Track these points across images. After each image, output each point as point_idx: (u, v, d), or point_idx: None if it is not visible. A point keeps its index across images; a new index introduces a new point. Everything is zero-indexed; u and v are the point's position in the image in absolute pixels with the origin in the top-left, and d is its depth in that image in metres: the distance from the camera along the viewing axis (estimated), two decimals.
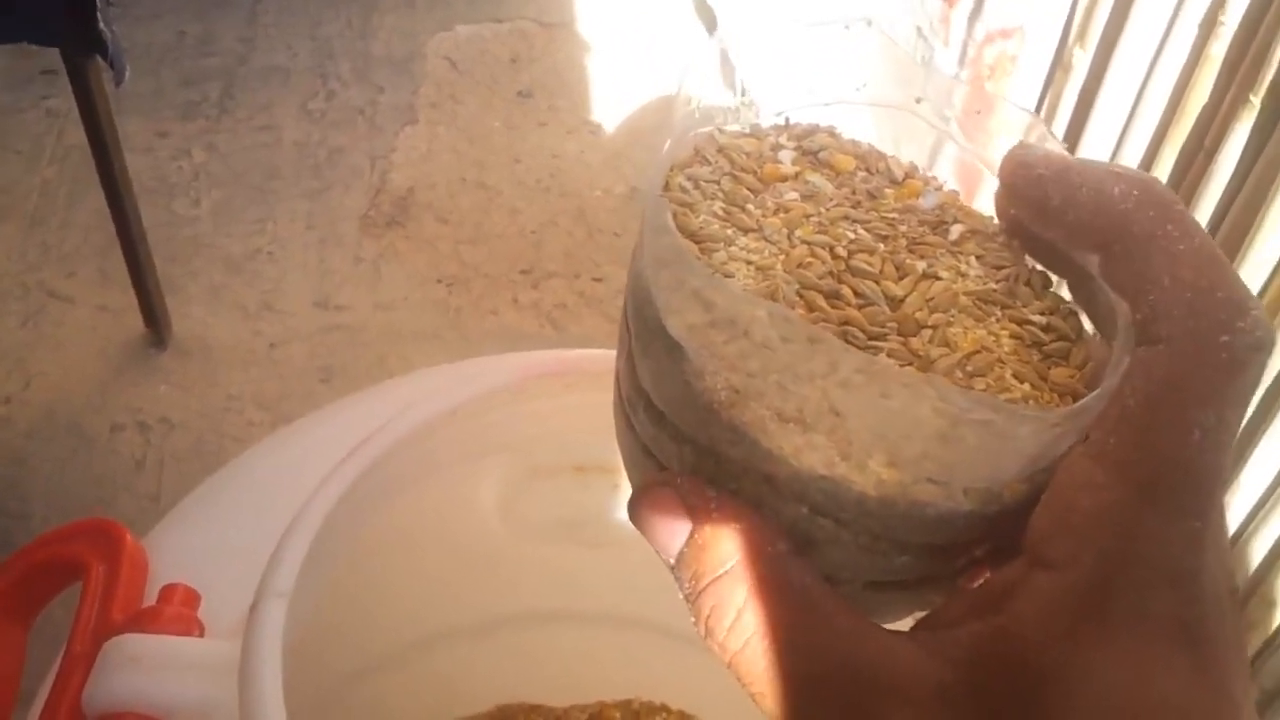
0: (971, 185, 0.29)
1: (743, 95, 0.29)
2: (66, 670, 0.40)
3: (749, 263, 0.25)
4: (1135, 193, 0.23)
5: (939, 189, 0.28)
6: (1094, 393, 0.22)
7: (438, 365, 0.53)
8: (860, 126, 0.30)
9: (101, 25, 1.02)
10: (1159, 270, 0.22)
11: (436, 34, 1.94)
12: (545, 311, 1.50)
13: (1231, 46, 0.84)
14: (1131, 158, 0.96)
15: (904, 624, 0.25)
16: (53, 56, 1.17)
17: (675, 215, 0.25)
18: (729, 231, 0.25)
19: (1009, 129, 0.28)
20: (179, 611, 0.40)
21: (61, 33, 1.05)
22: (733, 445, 0.23)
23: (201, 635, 0.40)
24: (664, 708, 0.71)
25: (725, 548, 0.22)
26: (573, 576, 0.64)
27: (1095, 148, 1.01)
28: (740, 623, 0.22)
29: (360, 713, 0.61)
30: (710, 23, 1.98)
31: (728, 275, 0.24)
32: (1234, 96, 0.83)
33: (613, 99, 1.84)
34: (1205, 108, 0.87)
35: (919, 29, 1.14)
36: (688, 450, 0.24)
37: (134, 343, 1.40)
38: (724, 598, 0.22)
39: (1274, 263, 0.79)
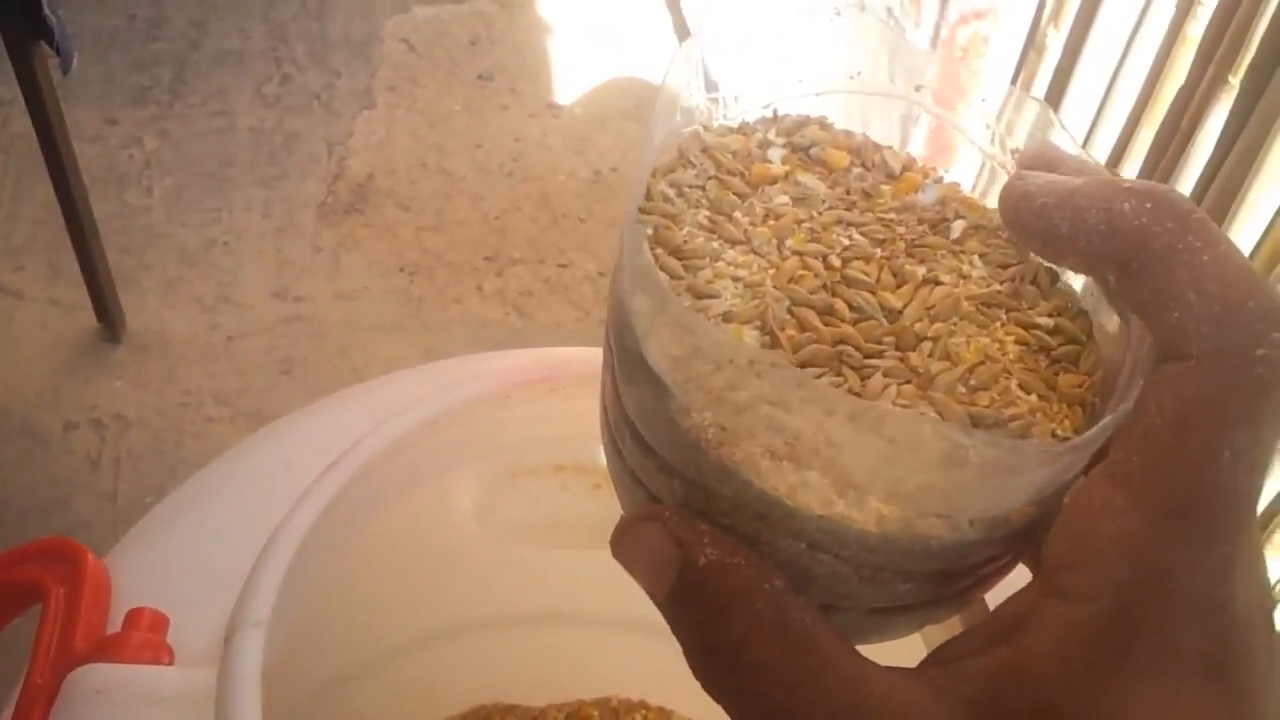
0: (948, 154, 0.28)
1: (720, 91, 0.27)
2: (25, 704, 0.37)
3: (736, 279, 0.23)
4: (1148, 205, 0.21)
5: (939, 181, 0.27)
6: (1104, 421, 0.21)
7: (414, 367, 0.51)
8: (856, 115, 0.28)
9: (46, 10, 0.98)
10: (1182, 285, 0.20)
11: (394, 16, 1.90)
12: (510, 299, 1.48)
13: (1209, 27, 0.83)
14: (1107, 140, 0.95)
15: (900, 648, 0.24)
16: None
17: (657, 230, 0.24)
18: (715, 244, 0.24)
19: (988, 102, 0.27)
20: (146, 637, 0.38)
21: (4, 18, 1.02)
22: (723, 484, 0.22)
23: (171, 662, 0.38)
24: (643, 704, 0.71)
25: (719, 586, 0.21)
26: (550, 577, 0.63)
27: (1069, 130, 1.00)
28: (736, 665, 0.21)
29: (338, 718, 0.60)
30: (673, 4, 1.96)
31: (713, 295, 0.23)
32: (1212, 78, 0.82)
33: (575, 81, 1.82)
34: (1182, 89, 0.86)
35: (889, 9, 1.12)
36: (677, 483, 0.23)
37: (87, 338, 1.37)
38: (719, 639, 0.21)
39: (1252, 245, 0.79)
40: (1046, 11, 1.02)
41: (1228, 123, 0.80)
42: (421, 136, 1.69)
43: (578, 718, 0.70)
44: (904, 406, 0.22)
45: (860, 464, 0.20)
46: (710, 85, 0.27)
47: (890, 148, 0.27)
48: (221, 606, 0.41)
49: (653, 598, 0.22)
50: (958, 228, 0.26)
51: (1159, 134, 0.89)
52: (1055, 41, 1.02)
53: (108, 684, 0.36)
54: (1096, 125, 0.97)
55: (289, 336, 1.40)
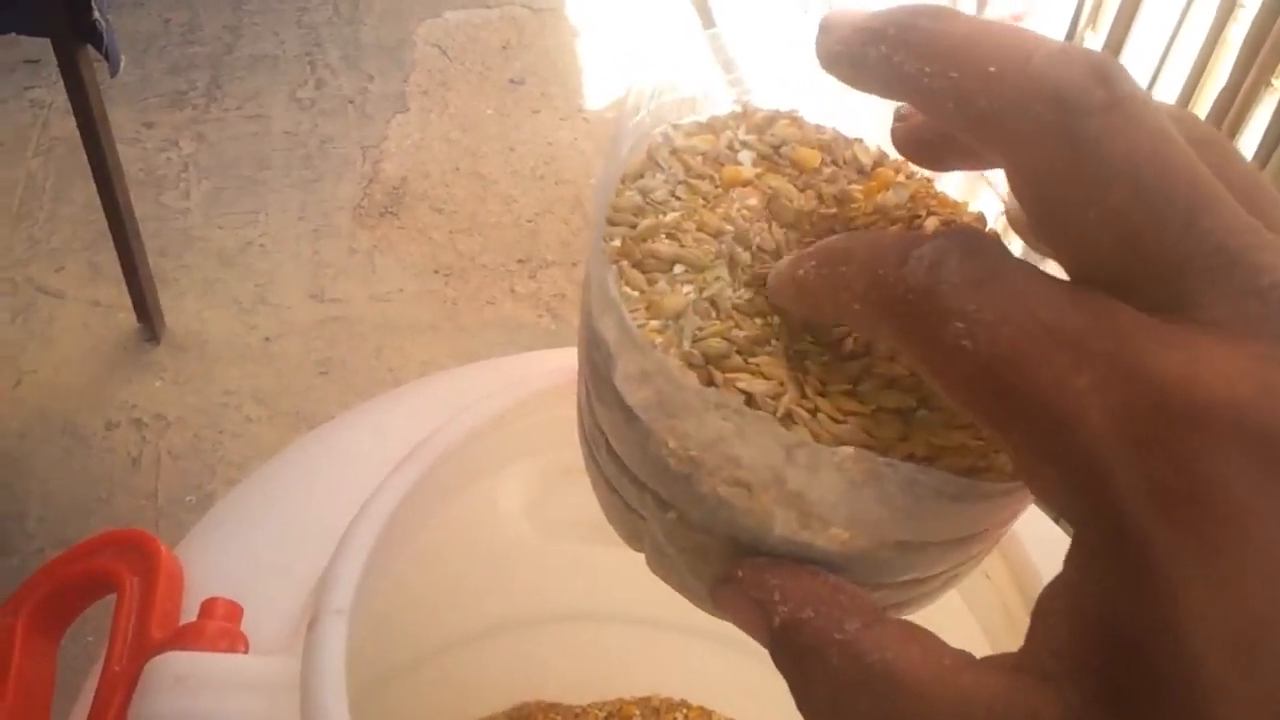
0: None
1: (735, 75, 0.27)
2: (106, 690, 0.38)
3: (693, 288, 0.23)
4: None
5: (910, 176, 0.26)
6: None
7: (475, 363, 0.52)
8: (838, 108, 0.28)
9: (96, 14, 0.99)
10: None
11: (425, 20, 1.92)
12: (544, 301, 1.49)
13: (1251, 29, 0.83)
14: None
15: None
16: (35, 45, 1.15)
17: (624, 241, 0.23)
18: (678, 249, 0.23)
19: None
20: (222, 626, 0.39)
21: (54, 23, 1.03)
22: (694, 506, 0.22)
23: (247, 651, 0.39)
24: (684, 704, 0.70)
25: (795, 646, 0.21)
26: (593, 575, 0.63)
27: None
28: (840, 712, 0.20)
29: (379, 718, 0.60)
30: (703, 7, 1.96)
31: (673, 313, 0.22)
32: (1254, 80, 0.82)
33: (605, 85, 1.83)
34: (1223, 92, 0.86)
35: None
36: (649, 498, 0.23)
37: (127, 338, 1.38)
38: (812, 694, 0.20)
39: None
40: (1085, 13, 1.02)
41: (1271, 124, 0.80)
42: (454, 140, 1.70)
43: (619, 716, 0.70)
44: (880, 436, 0.21)
45: (824, 499, 0.20)
46: (691, 80, 0.26)
47: (860, 141, 0.27)
48: (292, 597, 0.41)
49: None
50: (930, 225, 0.25)
51: None
52: (1093, 43, 1.02)
53: (188, 671, 0.36)
54: None
55: (326, 337, 1.41)
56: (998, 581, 0.41)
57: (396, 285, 1.49)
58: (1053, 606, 0.19)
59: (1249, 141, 0.83)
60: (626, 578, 0.61)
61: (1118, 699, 0.17)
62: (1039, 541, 0.39)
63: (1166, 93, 0.94)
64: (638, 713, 0.69)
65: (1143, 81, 0.96)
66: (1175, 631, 0.16)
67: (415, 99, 1.77)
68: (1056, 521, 0.45)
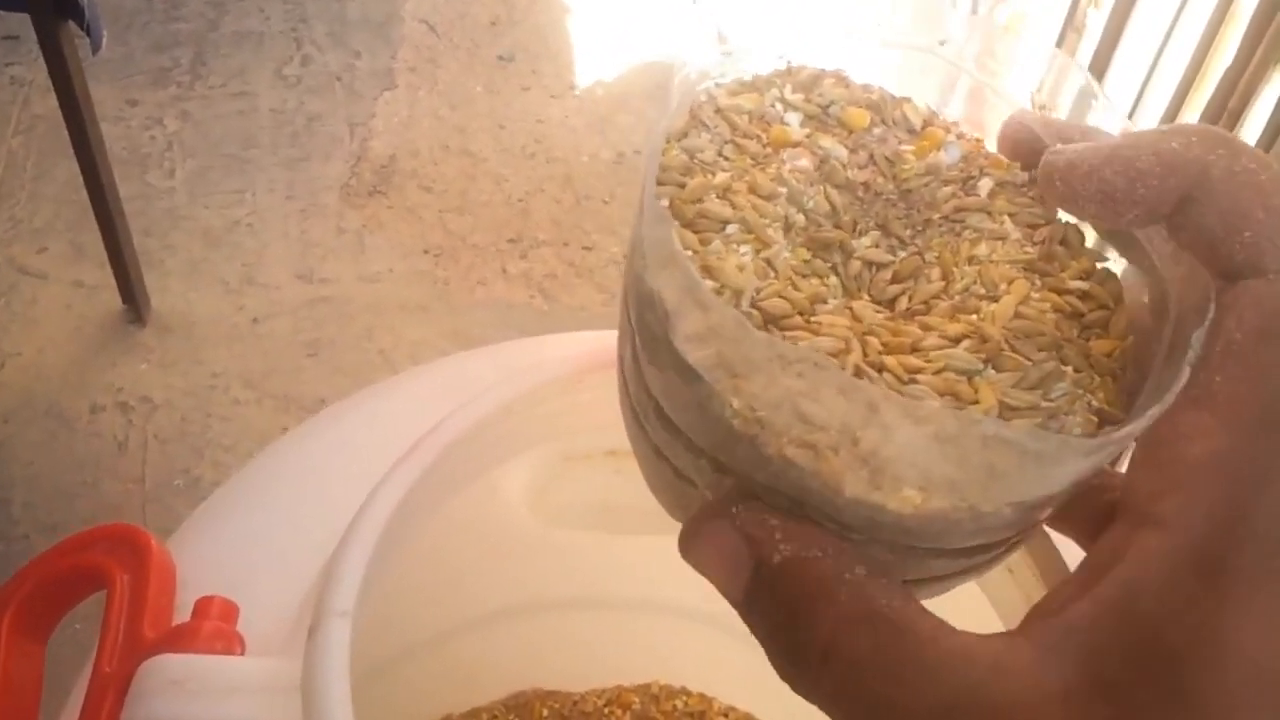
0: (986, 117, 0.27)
1: (729, 45, 0.27)
2: (96, 693, 0.37)
3: (749, 246, 0.22)
4: (1194, 139, 0.21)
5: (960, 136, 0.26)
6: (1169, 395, 0.20)
7: (475, 350, 0.50)
8: (890, 73, 0.27)
9: None
10: (1249, 204, 0.20)
11: None
12: (535, 282, 1.47)
13: (1259, 5, 0.82)
14: (1149, 122, 0.94)
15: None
16: (15, 21, 1.12)
17: (673, 202, 0.23)
18: (731, 210, 0.23)
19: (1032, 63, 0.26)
20: (218, 627, 0.37)
21: None
22: (758, 469, 0.21)
23: (243, 652, 0.37)
24: (684, 690, 0.70)
25: (798, 583, 0.20)
26: (593, 562, 0.62)
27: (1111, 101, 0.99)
28: (828, 664, 0.20)
29: (375, 706, 0.59)
30: None
31: (733, 284, 0.22)
32: (1262, 56, 0.81)
33: (596, 62, 1.81)
34: (1229, 69, 0.85)
35: None
36: (705, 463, 0.22)
37: (112, 320, 1.36)
38: (805, 639, 0.20)
39: None
40: None
41: (1279, 103, 0.79)
42: (443, 118, 1.68)
43: (618, 703, 0.70)
44: (949, 395, 0.21)
45: (901, 457, 0.20)
46: (723, 43, 0.26)
47: (909, 99, 0.26)
48: (290, 595, 0.40)
49: (729, 600, 0.21)
50: (985, 186, 0.25)
51: (1205, 115, 0.88)
52: (1096, 21, 1.01)
53: (183, 675, 0.35)
54: (1139, 106, 0.96)
55: (314, 318, 1.39)
56: (1020, 576, 0.40)
57: (386, 265, 1.47)
58: (1076, 590, 0.20)
59: (1257, 118, 0.82)
60: (626, 565, 0.61)
61: (1119, 691, 0.18)
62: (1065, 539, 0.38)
63: (1172, 71, 0.92)
64: (637, 700, 0.69)
65: (1146, 61, 0.95)
66: (1223, 654, 0.17)
67: (403, 76, 1.74)
68: None
